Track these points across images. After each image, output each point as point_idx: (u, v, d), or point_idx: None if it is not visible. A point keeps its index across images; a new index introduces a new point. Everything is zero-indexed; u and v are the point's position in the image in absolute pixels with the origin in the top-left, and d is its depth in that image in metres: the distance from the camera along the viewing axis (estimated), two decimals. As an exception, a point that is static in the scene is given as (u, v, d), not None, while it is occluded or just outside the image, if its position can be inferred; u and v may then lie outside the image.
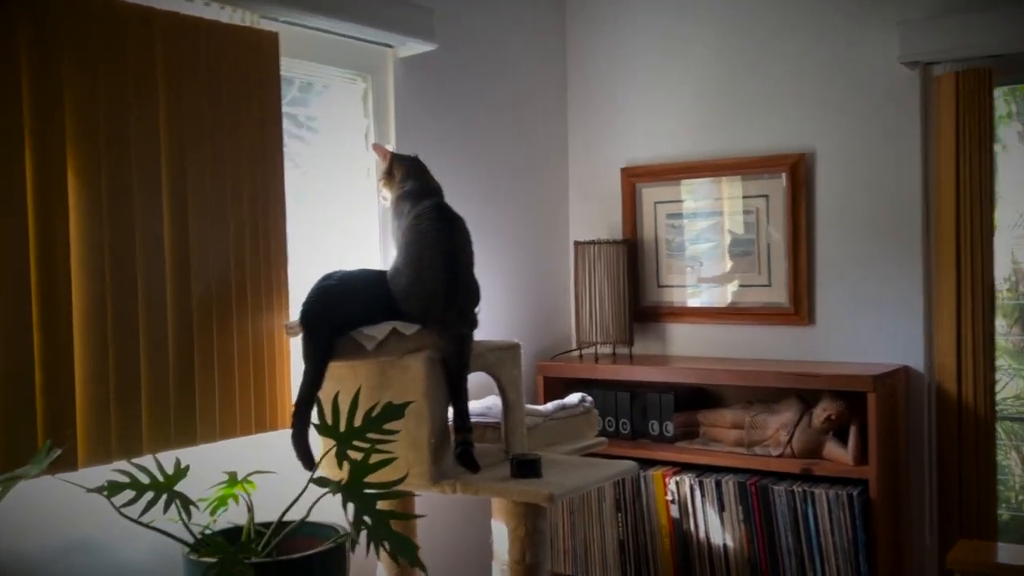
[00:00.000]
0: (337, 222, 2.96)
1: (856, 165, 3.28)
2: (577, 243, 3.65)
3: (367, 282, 2.43)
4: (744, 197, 3.48)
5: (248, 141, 2.48)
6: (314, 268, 2.70)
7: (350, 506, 1.85)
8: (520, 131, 3.65)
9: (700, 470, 3.26)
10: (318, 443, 2.31)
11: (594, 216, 3.81)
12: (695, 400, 3.48)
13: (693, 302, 3.61)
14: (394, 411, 2.21)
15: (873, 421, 2.94)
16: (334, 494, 1.86)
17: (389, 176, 2.62)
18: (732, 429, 3.28)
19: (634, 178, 3.70)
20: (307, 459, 2.22)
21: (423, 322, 2.36)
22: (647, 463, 3.31)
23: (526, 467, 2.31)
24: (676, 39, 3.62)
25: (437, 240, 2.37)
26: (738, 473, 3.19)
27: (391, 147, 2.98)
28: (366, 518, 1.84)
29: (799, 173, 3.35)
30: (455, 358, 2.35)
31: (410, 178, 2.58)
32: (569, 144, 3.88)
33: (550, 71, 3.82)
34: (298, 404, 2.25)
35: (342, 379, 2.41)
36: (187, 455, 2.20)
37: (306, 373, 2.28)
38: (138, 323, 2.22)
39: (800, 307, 3.37)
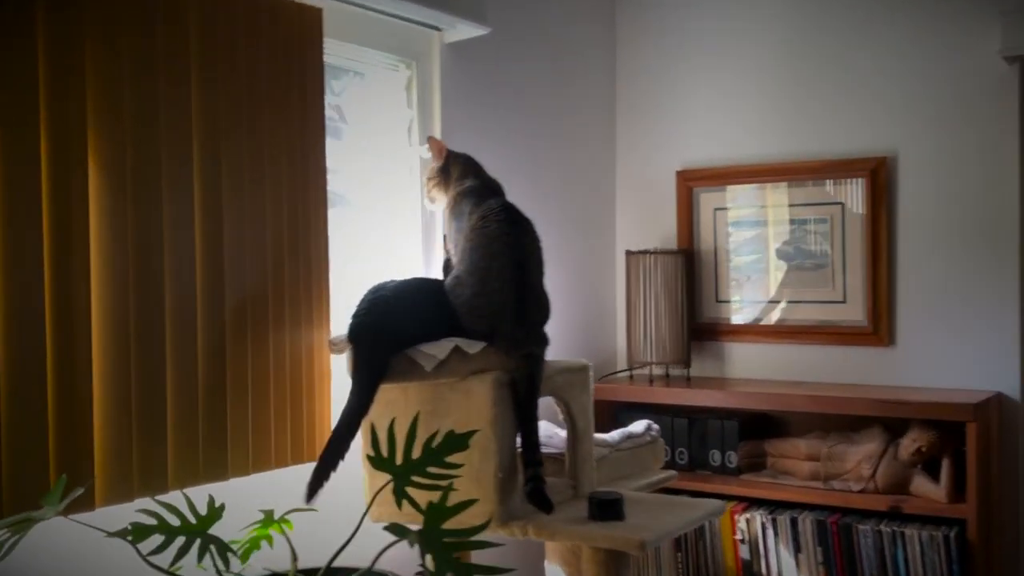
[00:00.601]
0: (375, 224, 2.73)
1: (944, 170, 3.07)
2: (629, 253, 3.42)
3: (424, 293, 2.20)
4: (818, 204, 3.26)
5: (287, 131, 2.25)
6: (350, 275, 2.48)
7: (428, 558, 1.61)
8: (565, 130, 3.43)
9: (771, 506, 3.03)
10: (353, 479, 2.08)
11: (644, 223, 3.59)
12: (760, 428, 3.26)
13: (756, 319, 3.38)
14: (457, 442, 1.98)
15: (973, 454, 2.72)
16: (412, 545, 1.62)
17: (444, 174, 2.39)
18: (807, 461, 3.05)
19: (691, 182, 3.48)
20: (314, 489, 1.95)
21: (489, 339, 2.14)
22: (709, 498, 3.06)
23: (607, 508, 2.08)
24: (739, 29, 3.41)
25: (506, 246, 2.14)
26: (815, 510, 2.96)
27: (439, 143, 2.76)
28: (447, 571, 1.60)
29: (880, 178, 3.14)
30: (526, 381, 2.12)
31: (469, 176, 2.36)
32: (617, 145, 3.66)
33: (598, 65, 3.60)
34: (339, 428, 2.01)
35: (392, 403, 2.18)
36: (215, 491, 1.95)
37: (353, 395, 2.04)
38: (165, 339, 1.98)
39: (879, 327, 3.15)
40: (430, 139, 2.44)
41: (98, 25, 1.86)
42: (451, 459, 1.94)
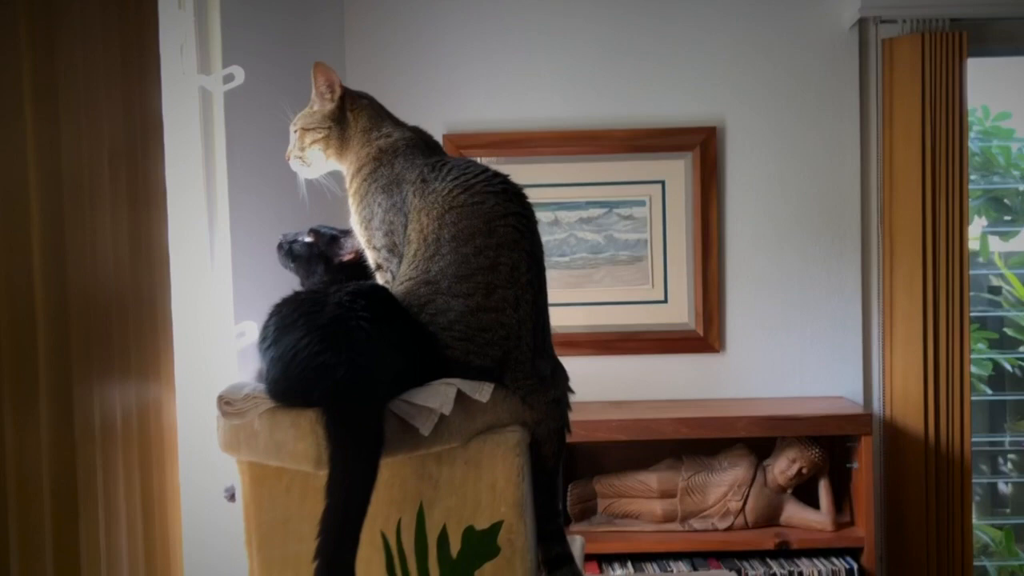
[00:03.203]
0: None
1: (777, 143, 3.06)
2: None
3: (389, 306, 1.58)
4: (631, 183, 3.07)
5: (120, 49, 1.50)
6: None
7: None
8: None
9: (622, 560, 2.78)
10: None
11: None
12: (584, 463, 2.98)
13: (557, 325, 3.08)
14: (483, 543, 1.49)
15: (866, 472, 2.73)
16: None
17: (338, 123, 1.77)
18: (659, 499, 2.84)
19: (464, 150, 3.08)
20: None
21: (496, 378, 1.59)
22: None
23: None
24: (527, -41, 3.09)
25: (516, 231, 1.63)
26: (680, 558, 2.77)
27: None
28: None
29: (710, 152, 3.03)
30: (554, 438, 1.63)
31: (386, 123, 1.80)
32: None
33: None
34: (332, 544, 1.37)
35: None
36: None
37: (338, 487, 1.40)
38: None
39: (710, 329, 3.05)
40: (317, 65, 1.78)
41: None
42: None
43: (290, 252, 1.79)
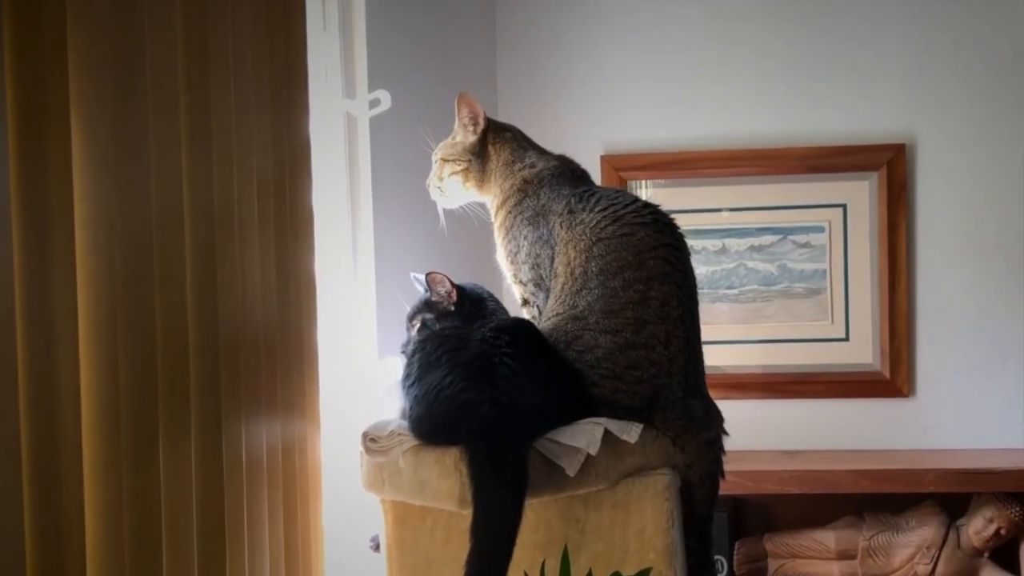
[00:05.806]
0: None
1: (975, 160, 3.13)
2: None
3: (537, 343, 1.77)
4: (808, 206, 3.19)
5: (269, 76, 1.74)
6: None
7: None
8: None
9: (794, 628, 2.89)
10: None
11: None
12: (754, 519, 3.11)
13: (723, 365, 3.23)
14: None
15: (1078, 535, 2.78)
16: None
17: (478, 152, 2.01)
18: (837, 560, 2.94)
19: (624, 172, 3.26)
20: None
21: (645, 418, 1.76)
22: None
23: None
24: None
25: (667, 264, 1.80)
26: (860, 628, 2.86)
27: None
28: None
29: (897, 173, 3.13)
30: (707, 482, 1.79)
31: (530, 153, 2.00)
32: (499, 113, 3.33)
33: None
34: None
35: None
36: None
37: (482, 528, 1.59)
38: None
39: (898, 371, 3.14)
40: (462, 96, 2.01)
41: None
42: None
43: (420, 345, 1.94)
